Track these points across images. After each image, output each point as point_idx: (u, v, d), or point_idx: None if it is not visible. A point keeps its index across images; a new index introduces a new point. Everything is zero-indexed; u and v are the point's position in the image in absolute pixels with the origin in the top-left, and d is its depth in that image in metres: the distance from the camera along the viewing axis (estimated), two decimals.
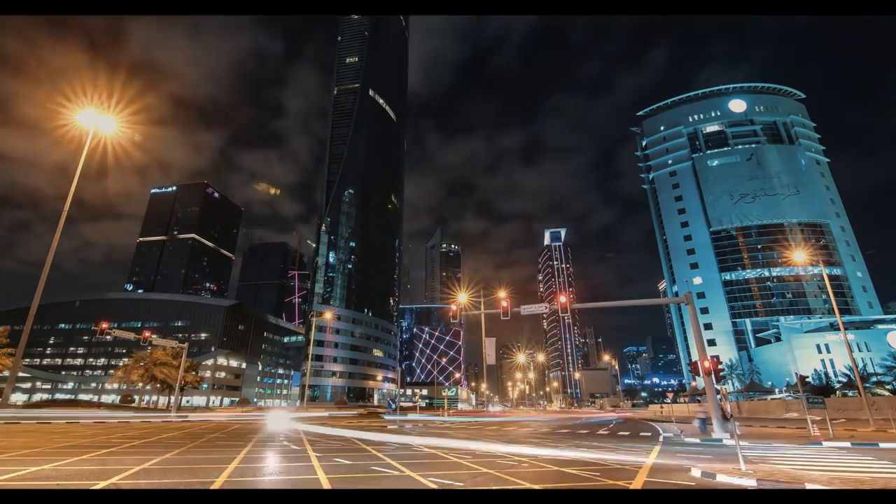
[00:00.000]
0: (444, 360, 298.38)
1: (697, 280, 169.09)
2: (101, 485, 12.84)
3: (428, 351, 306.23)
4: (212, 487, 13.04)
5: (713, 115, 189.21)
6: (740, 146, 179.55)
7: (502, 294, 48.16)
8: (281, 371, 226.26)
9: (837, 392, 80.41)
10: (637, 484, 14.40)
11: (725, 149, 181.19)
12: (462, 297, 59.67)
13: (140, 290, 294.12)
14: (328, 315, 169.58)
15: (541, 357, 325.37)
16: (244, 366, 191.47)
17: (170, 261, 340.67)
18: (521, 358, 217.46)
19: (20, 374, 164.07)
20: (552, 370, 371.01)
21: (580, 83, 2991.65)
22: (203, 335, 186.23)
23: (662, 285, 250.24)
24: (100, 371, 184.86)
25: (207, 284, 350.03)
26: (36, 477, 13.95)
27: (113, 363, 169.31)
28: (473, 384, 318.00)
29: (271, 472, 16.79)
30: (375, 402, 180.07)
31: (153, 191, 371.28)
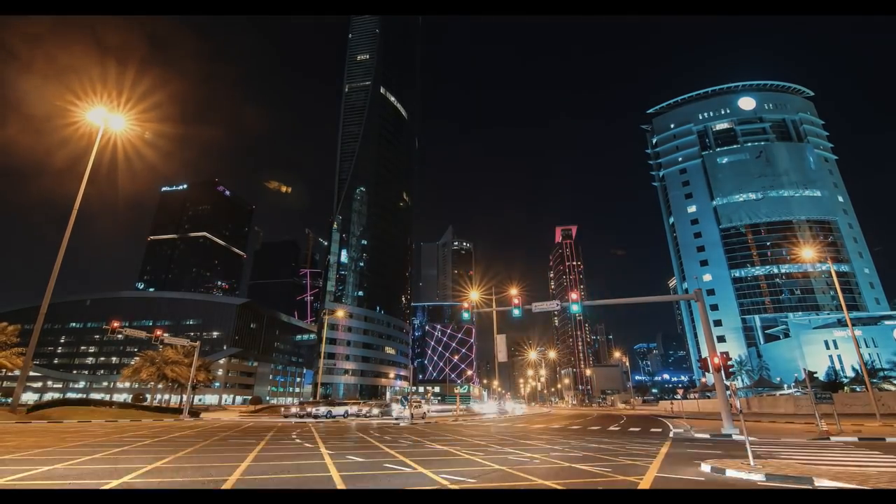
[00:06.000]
0: (457, 357, 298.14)
1: (707, 277, 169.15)
2: (112, 484, 12.89)
3: (440, 349, 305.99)
4: (223, 487, 13.02)
5: (723, 112, 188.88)
6: (749, 144, 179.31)
7: (514, 292, 48.69)
8: (293, 369, 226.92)
9: (845, 388, 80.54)
10: (648, 479, 14.51)
11: (735, 146, 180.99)
12: (474, 295, 60.24)
13: (151, 289, 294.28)
14: (340, 313, 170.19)
15: (552, 354, 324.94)
16: (256, 364, 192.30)
17: (181, 259, 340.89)
18: (532, 355, 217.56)
19: (31, 373, 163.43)
20: (563, 367, 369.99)
21: (588, 82, 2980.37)
22: (215, 333, 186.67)
23: (673, 282, 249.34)
24: (111, 370, 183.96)
25: (219, 283, 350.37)
26: (48, 476, 14.02)
27: (125, 362, 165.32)
28: (485, 381, 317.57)
29: (284, 469, 16.73)
30: (387, 400, 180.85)
31: (164, 189, 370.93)
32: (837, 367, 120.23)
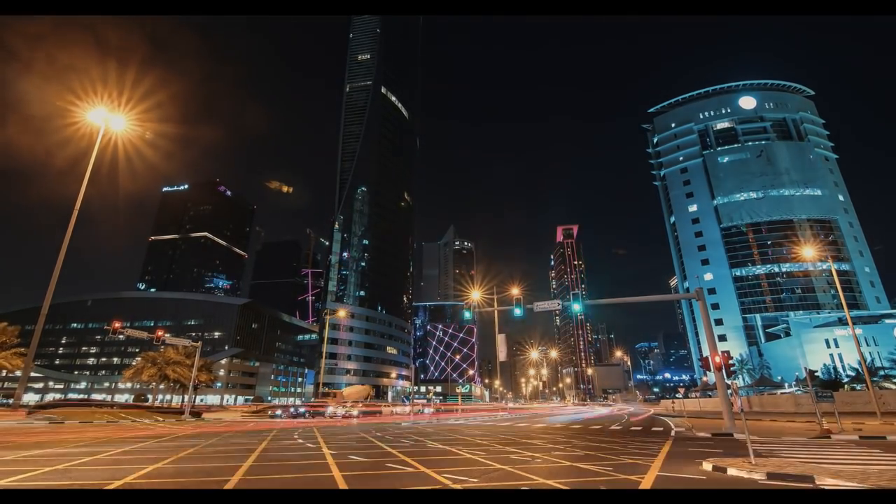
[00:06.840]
0: (458, 357, 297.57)
1: (708, 276, 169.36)
2: (114, 485, 12.86)
3: (441, 348, 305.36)
4: (226, 487, 12.93)
5: (723, 111, 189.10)
6: (750, 143, 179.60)
7: (515, 291, 48.75)
8: (295, 369, 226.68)
9: (846, 386, 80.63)
10: (649, 478, 14.44)
11: (735, 145, 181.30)
12: (475, 295, 60.27)
13: (153, 289, 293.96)
14: (342, 313, 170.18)
15: (553, 353, 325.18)
16: (258, 364, 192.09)
17: (182, 259, 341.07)
18: (533, 354, 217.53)
19: (32, 373, 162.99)
20: (565, 366, 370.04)
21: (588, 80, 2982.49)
22: (216, 334, 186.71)
23: (674, 281, 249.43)
24: (113, 370, 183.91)
25: (220, 283, 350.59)
26: (50, 477, 13.99)
27: (126, 362, 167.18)
28: (487, 381, 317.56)
29: (286, 470, 16.65)
30: (389, 400, 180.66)
31: (165, 189, 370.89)
32: (838, 365, 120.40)
